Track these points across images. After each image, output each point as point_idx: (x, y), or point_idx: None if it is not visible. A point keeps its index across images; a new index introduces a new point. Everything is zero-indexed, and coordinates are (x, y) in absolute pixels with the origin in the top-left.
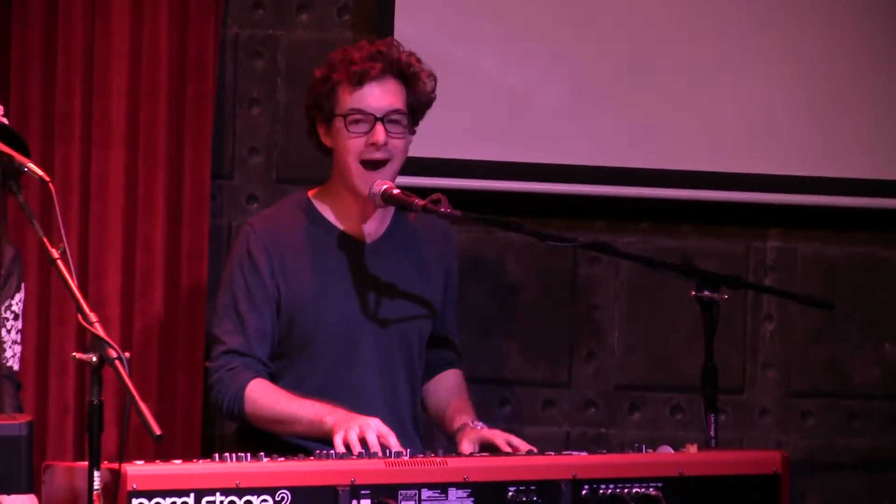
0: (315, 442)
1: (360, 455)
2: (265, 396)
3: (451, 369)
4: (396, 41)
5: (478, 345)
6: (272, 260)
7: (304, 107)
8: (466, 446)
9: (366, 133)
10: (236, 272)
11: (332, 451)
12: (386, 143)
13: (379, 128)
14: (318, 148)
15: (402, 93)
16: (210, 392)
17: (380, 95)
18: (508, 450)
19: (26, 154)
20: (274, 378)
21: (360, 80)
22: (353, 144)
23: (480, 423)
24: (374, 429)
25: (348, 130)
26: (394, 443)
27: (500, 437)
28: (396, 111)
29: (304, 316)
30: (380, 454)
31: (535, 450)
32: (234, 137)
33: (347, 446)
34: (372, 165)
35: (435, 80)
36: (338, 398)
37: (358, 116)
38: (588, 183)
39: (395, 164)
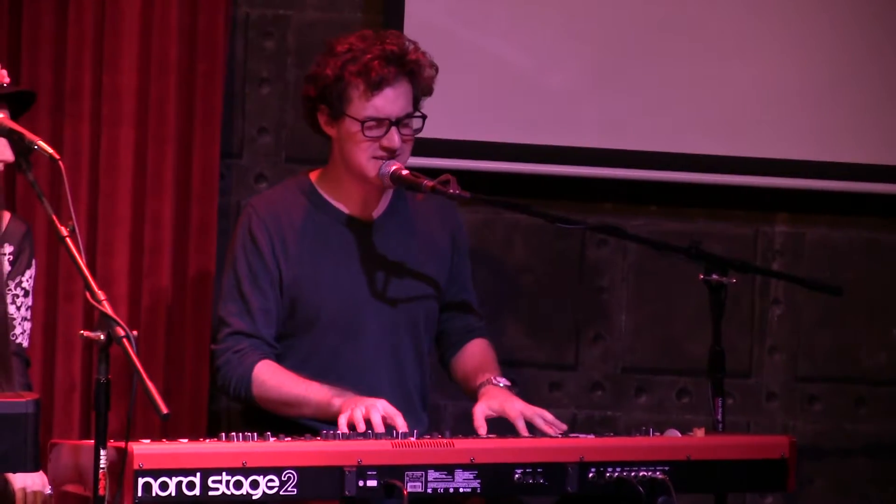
0: (322, 423)
1: (364, 435)
2: (273, 378)
3: (476, 338)
4: (400, 33)
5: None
6: (273, 240)
7: (303, 93)
8: (482, 409)
9: (380, 137)
10: (239, 253)
11: (338, 432)
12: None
13: (394, 133)
14: (316, 131)
15: (412, 90)
16: (217, 374)
17: (394, 100)
18: (526, 434)
19: (30, 104)
20: (279, 358)
21: (377, 86)
22: (367, 146)
23: (503, 380)
24: (380, 409)
25: (364, 135)
26: (400, 423)
27: (519, 420)
28: (409, 114)
29: (306, 296)
30: (384, 434)
31: (559, 431)
32: (243, 117)
33: (351, 426)
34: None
35: (436, 68)
36: (343, 377)
37: (374, 124)
38: (596, 165)
39: (404, 157)
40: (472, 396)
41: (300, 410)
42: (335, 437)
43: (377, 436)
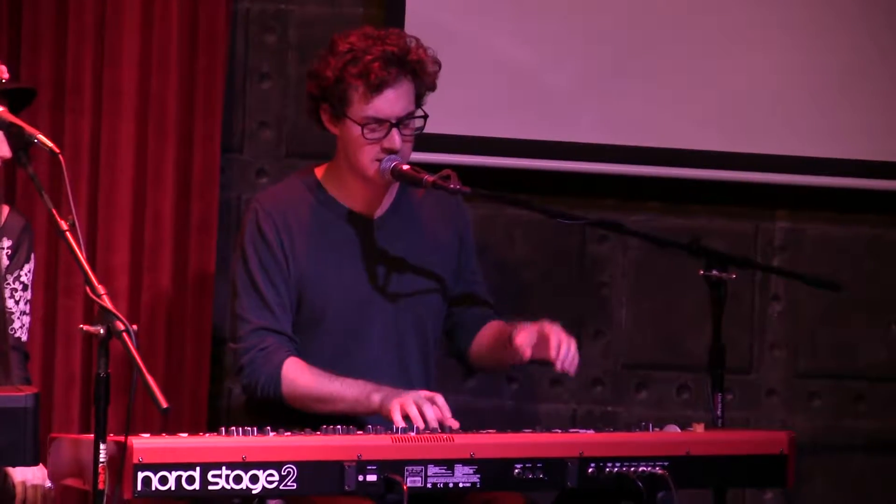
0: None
1: (402, 430)
2: (302, 376)
3: (491, 321)
4: (401, 31)
5: None
6: (281, 236)
7: (307, 89)
8: (523, 336)
9: (381, 138)
10: (249, 250)
11: (338, 427)
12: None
13: (394, 135)
14: (320, 128)
15: (413, 89)
16: (242, 373)
17: (395, 101)
18: (554, 351)
19: (29, 101)
20: None
21: (376, 89)
22: (368, 148)
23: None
24: (430, 403)
25: (364, 137)
26: (448, 416)
27: (554, 337)
28: (410, 114)
29: (311, 293)
30: (438, 428)
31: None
32: (244, 111)
33: (406, 419)
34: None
35: (439, 64)
36: (348, 374)
37: (374, 126)
38: (597, 161)
39: (405, 156)
40: (503, 358)
41: (333, 406)
42: (335, 431)
43: (377, 430)
